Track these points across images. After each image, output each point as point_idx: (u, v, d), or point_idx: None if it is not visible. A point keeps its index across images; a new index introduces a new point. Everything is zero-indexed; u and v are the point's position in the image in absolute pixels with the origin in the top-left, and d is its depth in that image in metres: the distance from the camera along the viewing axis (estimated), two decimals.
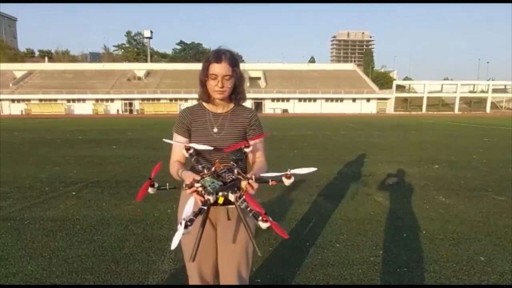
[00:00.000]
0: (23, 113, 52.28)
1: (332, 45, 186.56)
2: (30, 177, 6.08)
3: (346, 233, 3.54)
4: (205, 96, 1.62)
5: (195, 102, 1.78)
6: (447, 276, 2.69)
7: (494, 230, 3.59)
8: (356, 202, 4.60)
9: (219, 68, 1.52)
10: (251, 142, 1.63)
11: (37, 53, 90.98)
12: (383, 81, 75.21)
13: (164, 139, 1.72)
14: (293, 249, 3.15)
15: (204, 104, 1.67)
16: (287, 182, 1.40)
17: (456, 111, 60.83)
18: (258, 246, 1.39)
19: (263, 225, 1.27)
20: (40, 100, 54.68)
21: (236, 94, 1.65)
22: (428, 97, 61.94)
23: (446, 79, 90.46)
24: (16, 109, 53.87)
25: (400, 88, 64.65)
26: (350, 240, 3.36)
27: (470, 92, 65.92)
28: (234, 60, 1.56)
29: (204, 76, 1.56)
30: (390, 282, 2.62)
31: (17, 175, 6.32)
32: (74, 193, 5.05)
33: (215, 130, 1.62)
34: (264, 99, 58.02)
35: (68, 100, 55.30)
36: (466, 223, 3.83)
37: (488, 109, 61.49)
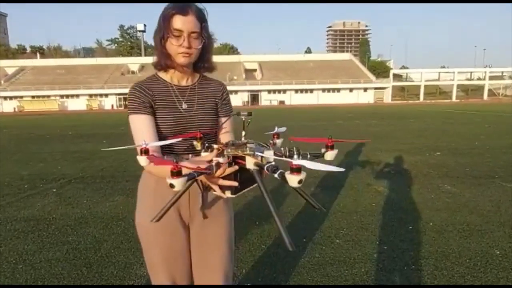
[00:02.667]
0: (16, 110, 51.52)
1: (328, 35, 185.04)
2: (11, 174, 5.73)
3: (346, 227, 3.24)
4: (165, 61, 1.22)
5: None
6: (460, 273, 2.39)
7: (506, 220, 3.30)
8: (356, 193, 4.30)
9: (184, 22, 1.16)
10: (223, 119, 1.34)
11: (28, 49, 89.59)
12: (380, 70, 74.72)
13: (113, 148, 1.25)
14: None
15: (162, 75, 1.30)
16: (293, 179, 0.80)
17: (454, 99, 60.58)
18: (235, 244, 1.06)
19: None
20: (33, 96, 53.84)
21: (203, 62, 1.30)
22: (425, 86, 61.65)
23: (443, 67, 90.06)
24: (9, 107, 53.02)
25: (397, 77, 64.32)
26: (350, 234, 3.06)
27: (467, 79, 65.63)
28: (202, 14, 1.22)
29: (163, 33, 1.18)
30: (396, 282, 2.32)
31: None
32: (54, 190, 4.71)
33: (184, 106, 1.28)
34: (260, 91, 57.45)
35: (62, 96, 54.51)
36: (475, 212, 3.54)
37: (485, 96, 61.24)
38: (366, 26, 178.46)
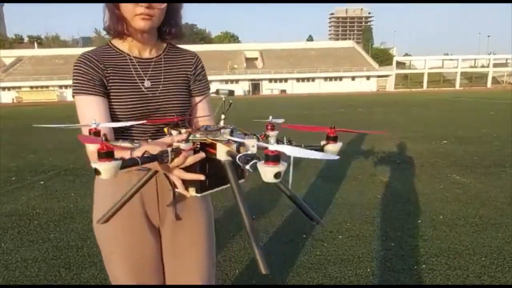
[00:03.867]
0: (14, 101, 51.18)
1: (330, 22, 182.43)
2: None
3: (350, 221, 3.00)
4: (117, 26, 0.95)
5: None
6: (476, 273, 2.16)
7: None
8: (359, 184, 4.05)
9: None
10: (197, 99, 1.08)
11: (26, 39, 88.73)
12: (383, 58, 73.73)
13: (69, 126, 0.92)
14: (286, 244, 2.62)
15: (118, 44, 1.02)
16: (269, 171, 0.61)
17: (457, 86, 59.80)
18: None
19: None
20: (31, 87, 53.34)
21: (169, 26, 1.02)
22: (428, 73, 60.76)
23: (446, 54, 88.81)
24: (7, 97, 52.55)
25: (400, 65, 63.42)
26: (354, 229, 2.83)
27: (471, 67, 64.66)
28: None
29: None
30: (406, 283, 2.09)
31: None
32: (42, 182, 4.49)
33: (147, 84, 1.01)
34: (261, 80, 56.76)
35: (60, 87, 53.96)
36: (488, 204, 3.29)
37: (489, 84, 60.41)
38: (369, 13, 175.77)
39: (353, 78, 58.03)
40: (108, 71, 0.98)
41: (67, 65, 58.78)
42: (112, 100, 0.98)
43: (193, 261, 1.10)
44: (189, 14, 1.05)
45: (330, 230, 2.83)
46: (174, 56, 1.09)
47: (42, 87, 54.16)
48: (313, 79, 57.64)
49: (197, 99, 1.10)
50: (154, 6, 0.92)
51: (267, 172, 0.56)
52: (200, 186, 0.79)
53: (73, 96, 0.97)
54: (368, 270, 2.23)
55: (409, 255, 2.39)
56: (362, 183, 4.08)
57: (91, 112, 0.94)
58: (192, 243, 1.10)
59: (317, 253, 2.46)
